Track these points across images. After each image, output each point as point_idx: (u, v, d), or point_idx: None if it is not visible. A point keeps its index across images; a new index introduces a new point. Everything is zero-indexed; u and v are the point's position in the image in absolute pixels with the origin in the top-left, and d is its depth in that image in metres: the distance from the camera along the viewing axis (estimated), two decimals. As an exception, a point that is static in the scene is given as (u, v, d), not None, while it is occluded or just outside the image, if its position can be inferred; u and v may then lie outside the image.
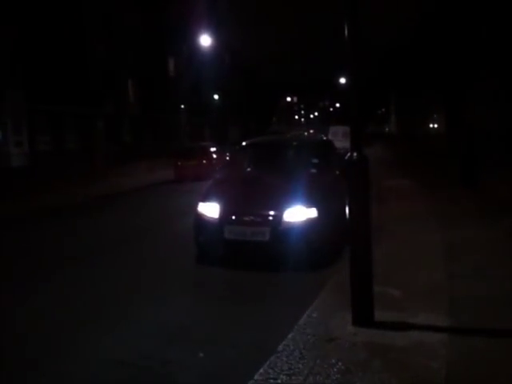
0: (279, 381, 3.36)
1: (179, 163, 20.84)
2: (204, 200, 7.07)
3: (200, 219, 6.96)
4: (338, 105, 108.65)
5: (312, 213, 6.51)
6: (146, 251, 8.03)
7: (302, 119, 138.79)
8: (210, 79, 43.46)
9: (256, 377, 3.44)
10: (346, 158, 4.21)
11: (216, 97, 49.05)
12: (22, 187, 16.23)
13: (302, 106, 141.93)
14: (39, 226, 11.21)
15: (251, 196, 7.06)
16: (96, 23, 29.09)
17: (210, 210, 6.83)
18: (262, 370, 3.51)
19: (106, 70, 29.90)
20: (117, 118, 31.85)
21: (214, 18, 43.26)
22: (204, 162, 20.16)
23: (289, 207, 6.50)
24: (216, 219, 6.69)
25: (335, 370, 3.46)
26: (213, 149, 22.37)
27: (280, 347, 3.86)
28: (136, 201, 15.25)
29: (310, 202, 6.57)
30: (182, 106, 39.33)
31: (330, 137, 30.72)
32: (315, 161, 8.21)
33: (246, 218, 6.61)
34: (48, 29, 23.87)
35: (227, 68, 52.25)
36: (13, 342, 4.53)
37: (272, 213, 6.51)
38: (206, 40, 32.86)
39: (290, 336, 4.06)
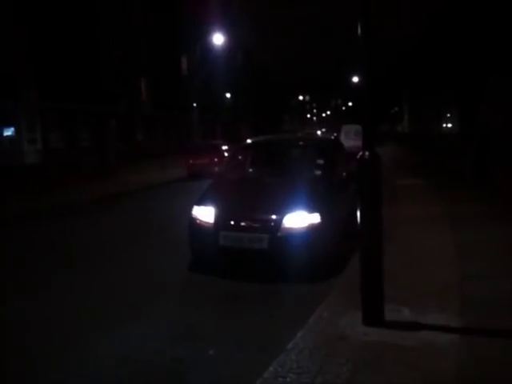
0: (288, 379, 3.36)
1: (191, 161, 20.95)
2: (199, 203, 6.62)
3: (194, 224, 6.49)
4: (350, 103, 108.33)
5: (315, 218, 6.00)
6: (150, 251, 7.94)
7: (315, 118, 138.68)
8: (223, 78, 43.56)
9: (265, 375, 3.44)
10: (358, 157, 4.19)
11: (228, 95, 49.12)
12: (35, 184, 16.37)
13: (314, 105, 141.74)
14: (49, 223, 11.28)
15: (249, 199, 6.58)
16: (109, 22, 29.25)
17: (204, 214, 6.38)
18: (271, 368, 3.51)
19: (119, 68, 30.07)
20: (129, 116, 32.03)
21: (227, 16, 43.30)
22: (216, 159, 20.20)
23: (289, 212, 5.99)
24: (211, 224, 6.23)
25: (345, 369, 3.45)
26: (224, 147, 22.42)
27: (289, 345, 3.86)
28: (147, 199, 15.30)
29: (313, 207, 6.06)
30: (194, 105, 39.40)
31: (342, 135, 30.71)
32: (320, 162, 7.68)
33: (243, 224, 6.08)
34: (62, 28, 24.06)
35: (239, 67, 52.30)
36: (16, 342, 4.57)
37: (271, 218, 6.00)
38: (218, 39, 32.89)
39: (299, 334, 4.06)
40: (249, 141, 8.92)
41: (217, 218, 6.25)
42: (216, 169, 18.06)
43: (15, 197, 14.31)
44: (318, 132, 55.66)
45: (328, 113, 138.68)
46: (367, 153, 4.13)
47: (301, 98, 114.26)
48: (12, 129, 22.79)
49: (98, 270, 6.90)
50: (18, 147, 22.42)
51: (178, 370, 3.91)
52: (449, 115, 46.57)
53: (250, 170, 8.34)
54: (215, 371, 3.86)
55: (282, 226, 5.95)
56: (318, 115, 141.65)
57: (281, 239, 5.91)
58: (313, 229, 5.99)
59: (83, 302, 5.53)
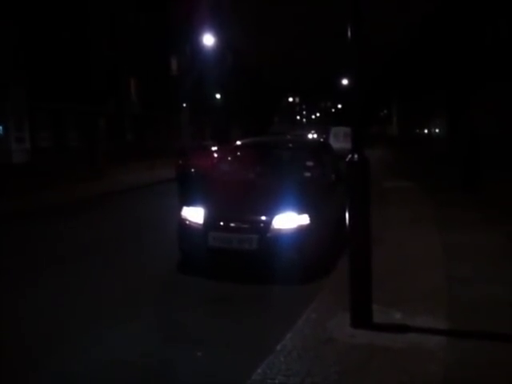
0: (276, 381, 3.36)
1: (180, 162, 20.88)
2: (188, 204, 6.64)
3: (183, 225, 6.50)
4: (339, 106, 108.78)
5: (304, 220, 6.04)
6: (139, 252, 7.88)
7: (304, 120, 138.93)
8: (213, 79, 43.46)
9: (254, 377, 3.44)
10: (347, 159, 4.20)
11: (218, 96, 49.06)
12: (22, 184, 16.21)
13: (303, 107, 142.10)
14: (37, 223, 11.17)
15: (239, 200, 6.65)
16: (99, 22, 29.12)
17: (194, 214, 6.38)
18: (259, 370, 3.51)
19: (109, 68, 29.92)
20: (118, 116, 31.85)
21: (217, 17, 43.25)
22: (205, 160, 20.15)
23: (279, 213, 6.02)
24: (200, 225, 6.24)
25: (333, 371, 3.45)
26: (214, 148, 22.38)
27: (278, 347, 3.86)
28: (136, 199, 15.22)
29: (302, 208, 6.11)
30: (184, 105, 39.31)
31: (331, 138, 30.81)
32: (310, 164, 7.80)
33: (232, 225, 6.10)
34: (51, 27, 23.90)
35: (229, 68, 52.27)
36: (13, 342, 4.51)
37: (260, 219, 6.03)
38: (208, 39, 32.82)
39: (288, 336, 4.06)
40: (239, 142, 8.96)
41: (206, 218, 6.26)
42: (205, 170, 18.03)
43: (2, 196, 14.16)
44: (310, 135, 55.61)
45: (317, 115, 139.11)
46: (356, 155, 4.15)
47: (290, 99, 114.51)
48: (0, 127, 22.58)
49: (86, 270, 6.85)
50: (5, 146, 22.21)
51: (165, 371, 3.89)
52: (437, 120, 46.83)
53: (240, 171, 8.35)
54: (203, 373, 3.85)
55: (272, 227, 5.98)
56: (308, 117, 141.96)
57: (270, 240, 5.93)
58: (302, 230, 6.03)
59: (71, 303, 5.48)
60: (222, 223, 6.17)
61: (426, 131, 52.42)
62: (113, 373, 3.89)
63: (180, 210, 6.72)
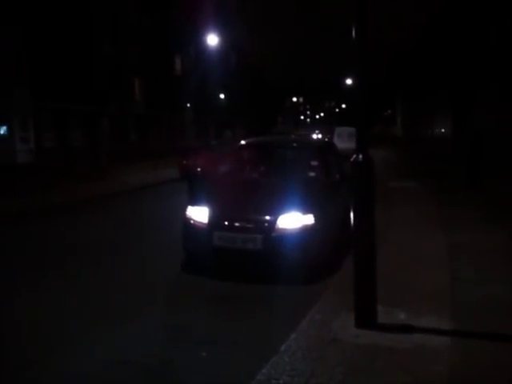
0: (281, 381, 3.35)
1: (184, 162, 20.88)
2: (193, 203, 6.67)
3: (188, 224, 6.50)
4: (343, 105, 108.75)
5: (308, 219, 6.03)
6: (142, 252, 7.86)
7: (308, 119, 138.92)
8: (216, 78, 43.52)
9: (258, 377, 3.43)
10: (352, 159, 4.20)
11: (222, 96, 49.11)
12: (26, 183, 16.25)
13: (307, 107, 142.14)
14: (40, 223, 11.19)
15: (243, 200, 6.67)
16: (103, 22, 29.18)
17: (198, 214, 6.39)
18: (264, 371, 3.50)
19: (112, 68, 29.98)
20: (122, 116, 31.91)
21: (221, 17, 43.28)
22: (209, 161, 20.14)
23: (283, 213, 6.02)
24: (205, 224, 6.24)
25: (337, 371, 3.45)
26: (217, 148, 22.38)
27: (282, 347, 3.85)
28: (139, 199, 15.21)
29: (307, 208, 6.10)
30: (188, 105, 39.38)
31: (335, 138, 30.77)
32: (314, 163, 7.80)
33: (237, 224, 6.11)
34: (55, 28, 23.97)
35: (233, 68, 52.32)
36: (13, 342, 4.52)
37: (265, 219, 6.04)
38: (212, 39, 32.84)
39: (292, 337, 4.05)
40: (243, 142, 8.95)
41: (211, 218, 6.26)
42: (210, 170, 18.03)
43: (6, 196, 14.19)
44: (314, 135, 55.50)
45: (321, 114, 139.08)
46: (361, 155, 4.14)
47: (294, 99, 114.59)
48: (4, 127, 22.67)
49: (90, 270, 6.85)
50: (10, 146, 22.30)
51: (167, 371, 3.89)
52: (442, 119, 46.75)
53: (245, 170, 8.36)
54: (207, 373, 3.84)
55: (276, 227, 5.98)
56: (312, 117, 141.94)
57: (274, 240, 5.93)
58: (306, 230, 6.02)
59: (74, 303, 5.48)
60: (226, 223, 6.17)
61: (430, 131, 52.32)
62: (114, 373, 3.89)
63: (185, 209, 6.73)
